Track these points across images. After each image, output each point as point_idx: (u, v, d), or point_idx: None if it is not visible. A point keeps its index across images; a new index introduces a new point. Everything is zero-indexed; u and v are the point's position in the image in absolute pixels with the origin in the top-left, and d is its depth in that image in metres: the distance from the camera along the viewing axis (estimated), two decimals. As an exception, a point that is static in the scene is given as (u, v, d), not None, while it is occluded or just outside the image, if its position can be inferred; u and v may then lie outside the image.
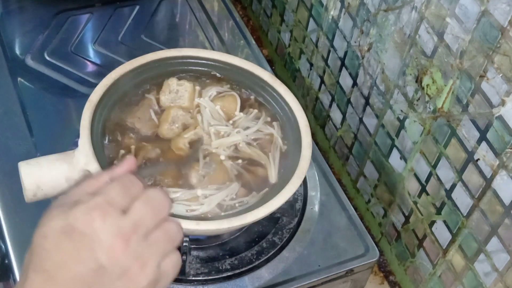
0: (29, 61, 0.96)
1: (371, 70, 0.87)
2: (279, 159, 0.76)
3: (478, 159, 0.70)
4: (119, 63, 0.79)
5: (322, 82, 1.02)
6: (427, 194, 0.81)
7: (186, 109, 0.79)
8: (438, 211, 0.79)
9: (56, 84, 0.94)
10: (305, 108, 0.96)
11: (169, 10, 1.09)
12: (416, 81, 0.78)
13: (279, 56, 1.17)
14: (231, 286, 0.74)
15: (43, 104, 0.91)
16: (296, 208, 0.82)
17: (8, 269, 0.75)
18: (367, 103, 0.90)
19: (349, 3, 0.89)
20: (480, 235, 0.72)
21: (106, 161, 0.71)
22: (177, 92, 0.79)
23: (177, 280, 0.74)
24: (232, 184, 0.73)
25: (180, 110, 0.78)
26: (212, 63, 0.83)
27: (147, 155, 0.74)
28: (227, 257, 0.76)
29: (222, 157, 0.75)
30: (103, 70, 0.94)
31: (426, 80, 0.76)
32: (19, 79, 0.93)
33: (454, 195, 0.76)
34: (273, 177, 0.75)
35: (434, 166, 0.78)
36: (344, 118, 0.98)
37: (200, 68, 0.83)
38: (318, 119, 1.07)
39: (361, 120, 0.93)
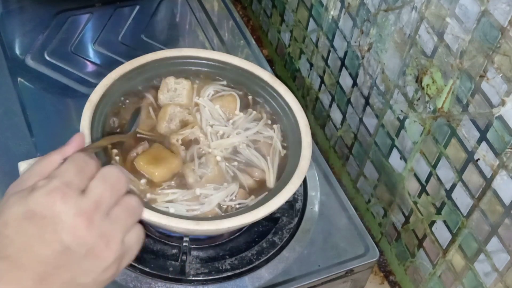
0: (29, 61, 0.96)
1: (371, 70, 0.87)
2: (278, 163, 0.76)
3: (478, 159, 0.70)
4: (119, 63, 0.79)
5: (322, 82, 1.02)
6: (427, 194, 0.81)
7: (185, 106, 0.79)
8: (438, 211, 0.79)
9: (56, 84, 0.94)
10: (305, 108, 0.96)
11: (169, 10, 1.10)
12: (416, 81, 0.78)
13: (279, 56, 1.17)
14: (231, 286, 0.74)
15: (43, 104, 0.91)
16: (296, 208, 0.82)
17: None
18: (367, 103, 0.90)
19: (349, 3, 0.89)
20: (480, 235, 0.72)
21: (106, 161, 0.71)
22: (175, 90, 0.79)
23: (177, 280, 0.74)
24: (231, 185, 0.73)
25: (177, 107, 0.78)
26: (212, 63, 0.83)
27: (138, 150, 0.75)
28: (227, 257, 0.76)
29: (218, 158, 0.75)
30: (103, 70, 0.94)
31: (426, 80, 0.76)
32: (19, 79, 0.93)
33: (454, 195, 0.76)
34: (271, 182, 0.75)
35: (434, 166, 0.78)
36: (344, 118, 0.98)
37: (200, 68, 0.83)
38: (318, 119, 1.07)
39: (361, 120, 0.93)
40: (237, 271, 0.75)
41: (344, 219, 0.83)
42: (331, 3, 0.93)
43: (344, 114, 0.98)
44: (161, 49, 0.96)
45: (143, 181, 0.72)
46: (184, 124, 0.77)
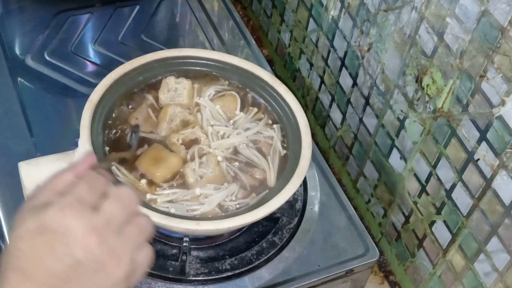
0: (29, 61, 0.96)
1: (371, 70, 0.87)
2: (278, 163, 0.76)
3: (478, 159, 0.70)
4: (119, 63, 0.79)
5: (322, 82, 1.02)
6: (427, 194, 0.81)
7: (186, 106, 0.79)
8: (438, 211, 0.79)
9: (56, 84, 0.94)
10: (305, 108, 0.96)
11: (169, 10, 1.09)
12: (416, 81, 0.78)
13: (279, 56, 1.17)
14: (231, 286, 0.74)
15: (43, 104, 0.91)
16: (296, 208, 0.82)
17: (8, 269, 0.75)
18: (367, 103, 0.90)
19: (349, 3, 0.89)
20: (480, 235, 0.72)
21: (106, 161, 0.71)
22: (175, 90, 0.80)
23: (177, 280, 0.74)
24: (231, 185, 0.73)
25: (178, 108, 0.78)
26: (212, 63, 0.83)
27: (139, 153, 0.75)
28: (227, 257, 0.76)
29: (219, 158, 0.75)
30: (103, 70, 0.94)
31: (426, 80, 0.76)
32: (19, 79, 0.93)
33: (454, 195, 0.76)
34: (272, 181, 0.75)
35: (434, 166, 0.78)
36: (344, 118, 0.98)
37: (200, 68, 0.83)
38: (318, 119, 1.07)
39: (361, 120, 0.93)
40: (237, 271, 0.75)
41: (344, 219, 0.83)
42: (331, 3, 0.93)
43: (344, 114, 0.98)
44: (161, 49, 0.96)
45: (143, 181, 0.72)
46: (185, 124, 0.77)
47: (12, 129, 0.86)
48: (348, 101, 0.95)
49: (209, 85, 0.82)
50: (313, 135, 0.81)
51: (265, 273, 0.76)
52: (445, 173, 0.76)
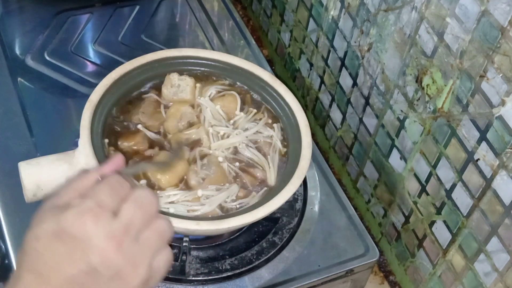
0: (29, 61, 0.96)
1: (371, 70, 0.87)
2: (278, 162, 0.76)
3: (478, 159, 0.70)
4: (119, 63, 0.79)
5: (322, 82, 1.02)
6: (427, 194, 0.81)
7: (189, 102, 0.79)
8: (438, 211, 0.79)
9: (56, 84, 0.94)
10: (305, 108, 0.96)
11: (169, 10, 1.10)
12: (416, 81, 0.78)
13: (279, 56, 1.17)
14: (231, 286, 0.74)
15: (43, 104, 0.91)
16: (296, 208, 0.82)
17: (8, 269, 0.75)
18: (367, 103, 0.90)
19: (349, 3, 0.89)
20: (480, 235, 0.72)
21: (106, 161, 0.71)
22: (178, 86, 0.80)
23: (177, 280, 0.74)
24: (232, 185, 0.73)
25: (189, 108, 0.78)
26: (212, 63, 0.83)
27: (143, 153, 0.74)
28: (227, 257, 0.76)
29: (220, 159, 0.75)
30: (103, 70, 0.94)
31: (426, 80, 0.76)
32: (19, 79, 0.93)
33: (454, 195, 0.76)
34: (272, 180, 0.75)
35: (434, 166, 0.78)
36: (344, 118, 0.98)
37: (200, 68, 0.83)
38: (318, 119, 1.07)
39: (361, 120, 0.93)
40: (237, 271, 0.75)
41: (344, 219, 0.83)
42: (331, 3, 0.93)
43: (344, 114, 0.98)
44: (161, 49, 0.96)
45: (142, 181, 0.72)
46: (190, 125, 0.78)
47: (12, 129, 0.86)
48: (348, 101, 0.95)
49: (209, 84, 0.82)
50: (313, 135, 0.81)
51: (265, 273, 0.76)
52: (445, 173, 0.76)
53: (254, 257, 0.77)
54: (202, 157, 0.75)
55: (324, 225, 0.81)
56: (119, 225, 0.49)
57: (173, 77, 0.80)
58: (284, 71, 1.16)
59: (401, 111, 0.82)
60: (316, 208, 0.83)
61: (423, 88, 0.77)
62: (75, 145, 0.71)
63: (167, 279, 0.74)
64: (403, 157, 0.85)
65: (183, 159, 0.73)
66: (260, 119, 0.80)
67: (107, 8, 1.06)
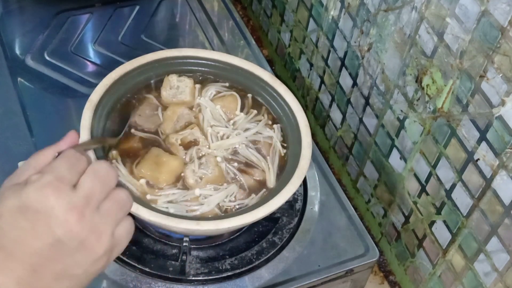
0: (29, 61, 0.96)
1: (371, 70, 0.87)
2: (278, 163, 0.76)
3: (478, 159, 0.70)
4: (119, 63, 0.79)
5: (322, 82, 1.02)
6: (427, 194, 0.81)
7: (188, 104, 0.79)
8: (438, 211, 0.79)
9: (56, 84, 0.94)
10: (305, 108, 0.96)
11: (169, 10, 1.10)
12: (416, 81, 0.78)
13: (279, 56, 1.17)
14: (231, 286, 0.74)
15: (43, 104, 0.91)
16: (296, 208, 0.82)
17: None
18: (367, 103, 0.90)
19: (349, 3, 0.89)
20: (480, 235, 0.72)
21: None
22: (177, 88, 0.80)
23: (177, 280, 0.74)
24: (230, 185, 0.73)
25: (186, 109, 0.78)
26: (212, 63, 0.83)
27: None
28: (227, 257, 0.76)
29: (219, 159, 0.75)
30: (103, 70, 0.94)
31: (426, 80, 0.76)
32: (19, 79, 0.93)
33: (454, 195, 0.76)
34: (271, 181, 0.75)
35: (434, 166, 0.78)
36: (344, 118, 0.98)
37: (200, 68, 0.83)
38: (318, 119, 1.07)
39: (361, 120, 0.93)
40: (237, 271, 0.75)
41: (344, 219, 0.83)
42: (331, 3, 0.93)
43: (344, 114, 0.98)
44: (161, 49, 0.96)
45: (142, 181, 0.72)
46: (187, 126, 0.78)
47: (12, 129, 0.86)
48: (348, 101, 0.95)
49: (209, 85, 0.82)
50: (313, 135, 0.81)
51: (265, 273, 0.76)
52: (445, 173, 0.76)
53: (254, 257, 0.77)
54: (200, 157, 0.75)
55: (324, 225, 0.81)
56: (79, 197, 0.51)
57: (172, 79, 0.80)
58: (284, 71, 1.16)
59: (401, 111, 0.82)
60: (316, 208, 0.83)
61: (423, 88, 0.77)
62: (75, 145, 0.71)
63: (167, 279, 0.74)
64: (403, 157, 0.85)
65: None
66: (260, 121, 0.80)
67: (107, 8, 1.06)
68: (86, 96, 0.73)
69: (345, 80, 0.95)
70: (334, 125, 1.01)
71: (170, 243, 0.77)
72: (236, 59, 0.83)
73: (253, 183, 0.74)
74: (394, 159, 0.87)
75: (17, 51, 0.98)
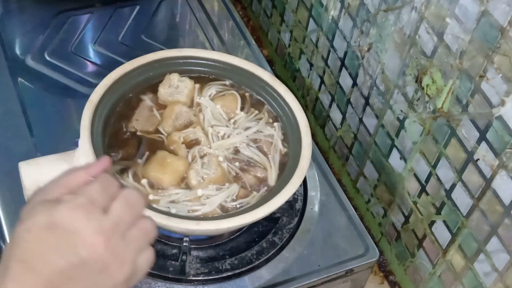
0: (29, 61, 0.96)
1: (371, 70, 0.87)
2: (279, 161, 0.76)
3: (478, 159, 0.70)
4: (119, 63, 0.79)
5: (322, 82, 1.02)
6: (427, 194, 0.81)
7: (184, 104, 0.79)
8: (438, 211, 0.79)
9: (56, 84, 0.94)
10: (305, 108, 0.96)
11: (169, 10, 1.10)
12: (416, 81, 0.78)
13: (279, 56, 1.17)
14: (231, 286, 0.75)
15: (43, 104, 0.91)
16: (296, 208, 0.82)
17: (8, 269, 0.75)
18: (367, 103, 0.90)
19: (349, 3, 0.89)
20: (480, 235, 0.72)
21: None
22: (177, 87, 0.80)
23: (177, 280, 0.74)
24: (232, 185, 0.73)
25: (184, 107, 0.78)
26: (212, 63, 0.83)
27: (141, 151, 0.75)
28: (227, 257, 0.77)
29: (221, 159, 0.75)
30: (103, 70, 0.94)
31: (426, 80, 0.76)
32: (19, 79, 0.93)
33: (454, 195, 0.76)
34: (273, 179, 0.75)
35: (434, 166, 0.78)
36: (344, 118, 0.98)
37: (200, 68, 0.83)
38: (318, 119, 1.07)
39: (361, 120, 0.93)
40: (237, 271, 0.75)
41: (344, 219, 0.83)
42: (331, 3, 0.93)
43: (344, 114, 0.98)
44: (161, 49, 0.96)
45: (144, 181, 0.72)
46: (188, 125, 0.78)
47: (12, 129, 0.86)
48: (348, 101, 0.95)
49: (209, 85, 0.82)
50: (313, 135, 0.81)
51: (265, 273, 0.76)
52: (445, 173, 0.76)
53: (254, 257, 0.77)
54: (203, 156, 0.75)
55: (324, 225, 0.81)
56: (109, 222, 0.51)
57: (173, 77, 0.80)
58: (284, 71, 1.16)
59: (401, 111, 0.83)
60: (316, 208, 0.83)
61: (423, 88, 0.77)
62: (75, 145, 0.71)
63: (167, 279, 0.74)
64: (403, 157, 0.85)
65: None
66: (261, 119, 0.80)
67: (107, 8, 1.06)
68: (86, 96, 0.73)
69: (345, 80, 0.95)
70: (334, 125, 1.01)
71: (170, 243, 0.77)
72: (236, 59, 0.83)
73: (254, 182, 0.74)
74: (394, 159, 0.87)
75: (17, 51, 0.98)
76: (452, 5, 0.69)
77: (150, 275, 0.74)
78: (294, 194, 0.78)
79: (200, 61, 0.83)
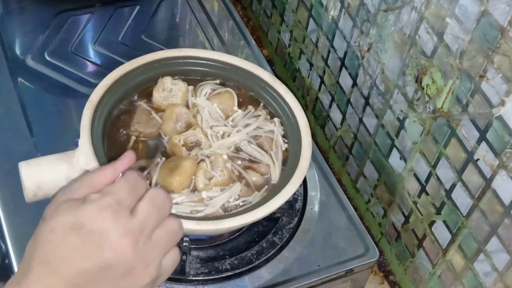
0: (30, 61, 0.96)
1: (371, 70, 0.87)
2: (281, 157, 0.76)
3: (478, 159, 0.70)
4: (119, 63, 0.79)
5: (322, 82, 1.02)
6: (427, 194, 0.81)
7: (184, 107, 0.79)
8: (438, 211, 0.79)
9: (56, 84, 0.94)
10: (305, 108, 0.96)
11: (169, 10, 1.10)
12: (416, 81, 0.78)
13: (279, 56, 1.17)
14: (231, 286, 0.75)
15: (43, 104, 0.91)
16: (296, 208, 0.82)
17: (8, 269, 0.75)
18: (367, 103, 0.90)
19: (349, 3, 0.89)
20: (480, 235, 0.72)
21: (106, 161, 0.71)
22: (170, 90, 0.80)
23: (177, 280, 0.74)
24: (235, 184, 0.73)
25: (184, 109, 0.78)
26: (212, 63, 0.83)
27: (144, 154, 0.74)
28: (227, 257, 0.77)
29: (225, 157, 0.75)
30: (103, 70, 0.94)
31: (426, 80, 0.76)
32: (19, 79, 0.93)
33: (454, 195, 0.76)
34: (276, 175, 0.75)
35: (434, 166, 0.78)
36: (344, 118, 0.98)
37: (200, 68, 0.83)
38: (318, 119, 1.07)
39: (361, 120, 0.93)
40: (237, 271, 0.75)
41: (344, 219, 0.83)
42: (331, 3, 0.93)
43: (344, 114, 0.98)
44: (161, 49, 0.96)
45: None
46: (188, 127, 0.77)
47: (12, 129, 0.86)
48: (348, 101, 0.95)
49: (202, 84, 0.82)
50: (313, 135, 0.81)
51: (265, 273, 0.76)
52: (445, 173, 0.76)
53: (254, 257, 0.77)
54: (208, 156, 0.74)
55: (324, 225, 0.81)
56: (136, 223, 0.50)
57: (166, 81, 0.79)
58: (284, 71, 1.16)
59: (401, 111, 0.83)
60: (316, 208, 0.83)
61: (423, 88, 0.77)
62: (75, 145, 0.71)
63: (167, 278, 0.74)
64: (403, 157, 0.85)
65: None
66: (259, 115, 0.80)
67: (107, 8, 1.06)
68: (86, 96, 0.73)
69: (345, 80, 0.95)
70: (334, 125, 1.01)
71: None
72: (236, 59, 0.83)
73: (258, 179, 0.74)
74: (394, 159, 0.87)
75: (17, 51, 0.98)
76: (452, 5, 0.69)
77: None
78: (294, 194, 0.78)
79: (200, 61, 0.83)
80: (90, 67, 0.97)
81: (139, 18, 1.05)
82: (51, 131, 0.87)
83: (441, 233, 0.79)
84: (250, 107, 0.81)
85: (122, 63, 0.79)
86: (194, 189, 0.72)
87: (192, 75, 0.82)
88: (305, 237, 0.79)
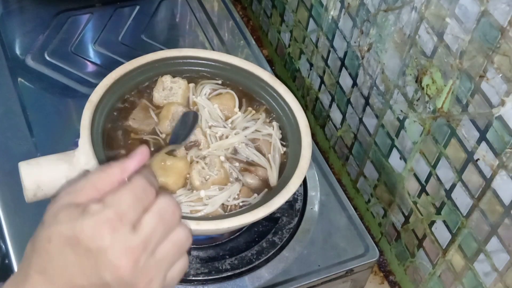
0: (29, 61, 0.96)
1: (371, 70, 0.87)
2: (279, 161, 0.76)
3: (478, 159, 0.70)
4: (119, 63, 0.79)
5: (322, 82, 1.02)
6: (427, 194, 0.81)
7: (180, 105, 0.79)
8: (438, 211, 0.79)
9: (56, 84, 0.94)
10: (305, 108, 0.96)
11: (169, 10, 1.10)
12: (416, 81, 0.78)
13: (279, 56, 1.17)
14: (231, 286, 0.75)
15: (43, 104, 0.91)
16: (296, 208, 0.82)
17: (8, 269, 0.75)
18: (367, 103, 0.90)
19: (349, 3, 0.89)
20: (480, 235, 0.72)
21: (106, 161, 0.71)
22: (170, 89, 0.80)
23: (177, 280, 0.74)
24: (234, 184, 0.73)
25: (180, 107, 0.78)
26: (212, 63, 0.83)
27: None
28: (227, 257, 0.77)
29: (222, 158, 0.75)
30: (103, 70, 0.94)
31: (426, 80, 0.76)
32: (19, 79, 0.93)
33: (454, 195, 0.76)
34: (274, 179, 0.75)
35: (434, 166, 0.78)
36: (344, 118, 0.98)
37: (200, 68, 0.83)
38: (318, 119, 1.07)
39: (361, 120, 0.93)
40: (237, 271, 0.76)
41: (344, 219, 0.83)
42: (331, 3, 0.93)
43: (344, 114, 0.98)
44: (161, 49, 0.96)
45: None
46: None
47: (12, 129, 0.86)
48: (348, 101, 0.95)
49: (203, 83, 0.82)
50: (313, 135, 0.81)
51: (265, 273, 0.76)
52: (445, 173, 0.76)
53: (254, 257, 0.77)
54: (204, 157, 0.75)
55: (324, 225, 0.81)
56: (137, 240, 0.46)
57: (166, 80, 0.79)
58: (284, 71, 1.16)
59: (401, 111, 0.83)
60: (316, 208, 0.83)
61: (423, 88, 0.77)
62: (75, 145, 0.71)
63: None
64: (403, 157, 0.85)
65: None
66: (258, 119, 0.80)
67: (107, 8, 1.06)
68: (86, 96, 0.73)
69: (345, 80, 0.95)
70: (334, 125, 1.01)
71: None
72: (236, 59, 0.83)
73: (255, 182, 0.74)
74: (394, 159, 0.87)
75: (17, 51, 0.98)
76: (452, 5, 0.69)
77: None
78: (294, 194, 0.78)
79: (200, 61, 0.83)
80: (90, 67, 0.97)
81: (139, 18, 1.05)
82: (51, 131, 0.87)
83: (441, 233, 0.79)
84: (249, 109, 0.81)
85: (122, 63, 0.79)
86: (191, 188, 0.72)
87: (192, 75, 0.82)
88: (305, 237, 0.79)
